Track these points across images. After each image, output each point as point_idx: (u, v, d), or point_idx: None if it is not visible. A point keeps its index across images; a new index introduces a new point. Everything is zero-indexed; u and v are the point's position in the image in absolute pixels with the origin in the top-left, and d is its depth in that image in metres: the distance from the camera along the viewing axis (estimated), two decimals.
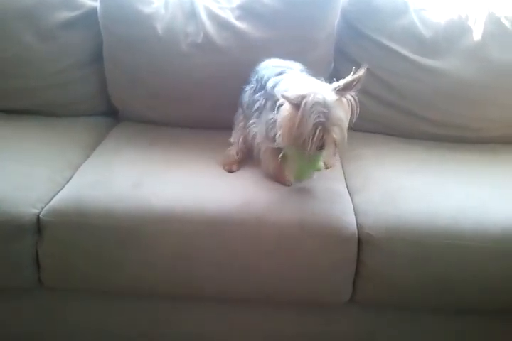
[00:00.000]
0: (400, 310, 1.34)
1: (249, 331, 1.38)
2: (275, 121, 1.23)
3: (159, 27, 1.60)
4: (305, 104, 1.13)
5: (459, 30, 1.62)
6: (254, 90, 1.37)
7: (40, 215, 1.22)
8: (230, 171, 1.38)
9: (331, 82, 1.19)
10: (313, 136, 1.13)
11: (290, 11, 1.59)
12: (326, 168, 1.46)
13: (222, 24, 1.61)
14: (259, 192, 1.29)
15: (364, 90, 1.64)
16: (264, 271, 1.24)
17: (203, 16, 1.62)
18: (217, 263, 1.23)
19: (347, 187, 1.40)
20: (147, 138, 1.55)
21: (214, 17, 1.62)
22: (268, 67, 1.36)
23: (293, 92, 1.15)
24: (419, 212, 1.26)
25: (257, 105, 1.34)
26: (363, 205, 1.30)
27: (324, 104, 1.13)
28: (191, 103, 1.64)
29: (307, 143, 1.14)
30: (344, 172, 1.47)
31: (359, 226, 1.23)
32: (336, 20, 1.65)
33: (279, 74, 1.30)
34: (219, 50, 1.60)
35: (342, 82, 1.17)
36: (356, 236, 1.22)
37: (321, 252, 1.22)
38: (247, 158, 1.42)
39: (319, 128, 1.13)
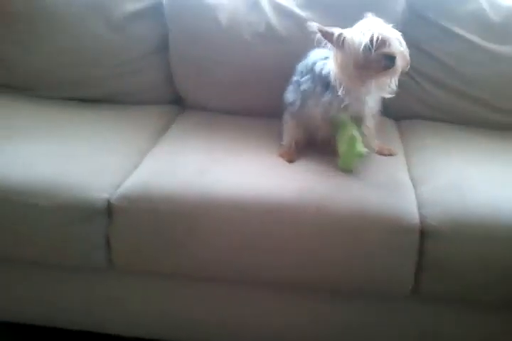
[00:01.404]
0: (462, 304, 1.31)
1: (312, 318, 1.39)
2: (331, 102, 1.30)
3: (222, 17, 1.63)
4: (349, 33, 1.22)
5: None
6: (301, 76, 1.40)
7: (111, 200, 1.26)
8: (291, 161, 1.39)
9: None
10: (373, 43, 1.17)
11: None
12: (390, 155, 1.45)
13: (284, 13, 1.63)
14: (320, 181, 1.30)
15: (432, 78, 1.63)
16: (323, 259, 1.25)
17: (266, 5, 1.64)
18: (276, 249, 1.25)
19: (410, 177, 1.38)
20: (211, 127, 1.59)
21: (276, 5, 1.63)
22: (313, 55, 1.39)
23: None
24: (486, 203, 1.22)
25: (303, 87, 1.37)
26: (426, 195, 1.28)
27: (368, 25, 1.21)
28: (254, 92, 1.66)
29: (372, 57, 1.18)
30: (407, 162, 1.45)
31: (422, 217, 1.21)
32: (401, 7, 1.62)
33: (326, 58, 1.33)
34: (281, 39, 1.61)
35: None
36: (418, 226, 1.20)
37: (381, 242, 1.21)
38: (303, 150, 1.43)
39: (375, 35, 1.17)
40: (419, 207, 1.25)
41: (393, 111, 1.64)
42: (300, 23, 1.59)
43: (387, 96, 1.31)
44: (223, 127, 1.58)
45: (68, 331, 1.49)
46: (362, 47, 1.18)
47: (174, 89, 1.76)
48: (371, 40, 1.18)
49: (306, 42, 1.53)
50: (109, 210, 1.26)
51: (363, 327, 1.37)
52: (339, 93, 1.26)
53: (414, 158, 1.46)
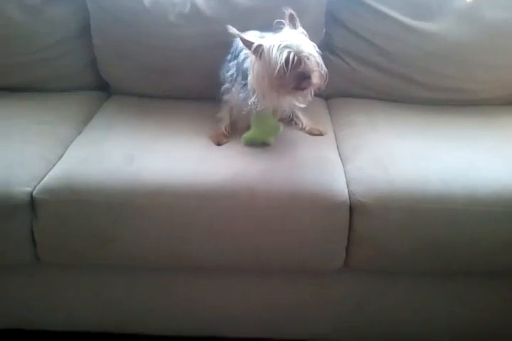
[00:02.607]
0: (392, 275, 1.35)
1: (248, 300, 1.40)
2: (246, 98, 1.30)
3: None
4: (268, 44, 1.19)
5: None
6: (229, 60, 1.41)
7: (34, 193, 1.22)
8: (219, 144, 1.38)
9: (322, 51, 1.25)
10: (288, 63, 1.17)
11: None
12: (320, 134, 1.47)
13: None
14: (250, 163, 1.29)
15: (358, 57, 1.64)
16: (258, 241, 1.25)
17: None
18: (210, 234, 1.25)
19: (339, 154, 1.39)
20: (138, 112, 1.55)
21: None
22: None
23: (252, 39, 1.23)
24: (411, 177, 1.25)
25: (230, 72, 1.38)
26: (354, 172, 1.30)
27: (287, 39, 1.19)
28: (181, 74, 1.63)
29: (286, 76, 1.18)
30: (336, 139, 1.47)
31: (350, 194, 1.23)
32: None
33: None
34: (207, 19, 1.57)
35: (287, 27, 1.25)
36: (348, 203, 1.22)
37: (313, 220, 1.23)
38: (234, 132, 1.42)
39: (291, 55, 1.17)
40: (348, 183, 1.27)
41: (322, 90, 1.64)
42: (225, 2, 1.57)
43: (301, 105, 1.34)
44: (151, 112, 1.55)
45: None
46: (277, 67, 1.17)
47: (99, 75, 1.70)
48: (287, 61, 1.17)
49: (233, 23, 1.52)
50: (32, 204, 1.22)
51: (297, 304, 1.40)
52: (253, 99, 1.27)
53: (343, 135, 1.48)
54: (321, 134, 1.47)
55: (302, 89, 1.23)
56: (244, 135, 1.38)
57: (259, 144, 1.37)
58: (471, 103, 1.63)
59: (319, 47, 1.59)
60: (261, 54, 1.21)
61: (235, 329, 1.45)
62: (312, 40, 1.29)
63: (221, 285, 1.38)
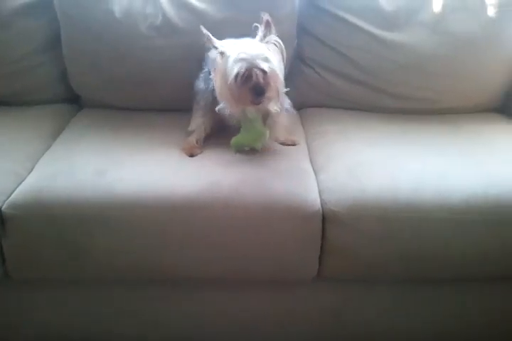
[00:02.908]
0: (368, 284, 1.36)
1: (225, 311, 1.40)
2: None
3: (117, 10, 1.57)
4: (228, 53, 1.22)
5: (420, 3, 1.61)
6: (209, 72, 1.38)
7: (2, 209, 1.20)
8: (192, 155, 1.38)
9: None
10: (238, 78, 1.19)
11: None
12: (293, 144, 1.48)
13: (181, 5, 1.59)
14: (225, 174, 1.29)
15: (327, 66, 1.66)
16: (232, 251, 1.25)
17: None
18: (185, 246, 1.24)
19: (312, 163, 1.40)
20: (110, 124, 1.54)
21: None
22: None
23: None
24: (382, 186, 1.27)
25: (212, 84, 1.36)
26: (327, 182, 1.31)
27: (246, 51, 1.21)
28: (154, 86, 1.62)
29: (241, 89, 1.20)
30: (309, 149, 1.48)
31: (323, 203, 1.24)
32: None
33: None
34: (179, 31, 1.58)
35: (260, 34, 1.26)
36: (320, 213, 1.23)
37: (287, 230, 1.24)
38: (208, 143, 1.43)
39: (242, 69, 1.19)
40: (320, 193, 1.28)
41: (294, 101, 1.65)
42: (197, 14, 1.58)
43: (273, 110, 1.34)
44: (123, 124, 1.54)
45: None
46: (229, 80, 1.20)
47: (70, 87, 1.69)
48: (237, 75, 1.20)
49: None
50: (1, 219, 1.20)
51: (277, 314, 1.40)
52: (221, 105, 1.29)
53: (315, 145, 1.49)
54: (294, 144, 1.48)
55: (258, 103, 1.24)
56: (233, 139, 1.38)
57: (247, 150, 1.38)
58: (438, 112, 1.66)
59: (292, 58, 1.64)
60: (222, 60, 1.23)
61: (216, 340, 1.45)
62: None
63: (197, 296, 1.37)
